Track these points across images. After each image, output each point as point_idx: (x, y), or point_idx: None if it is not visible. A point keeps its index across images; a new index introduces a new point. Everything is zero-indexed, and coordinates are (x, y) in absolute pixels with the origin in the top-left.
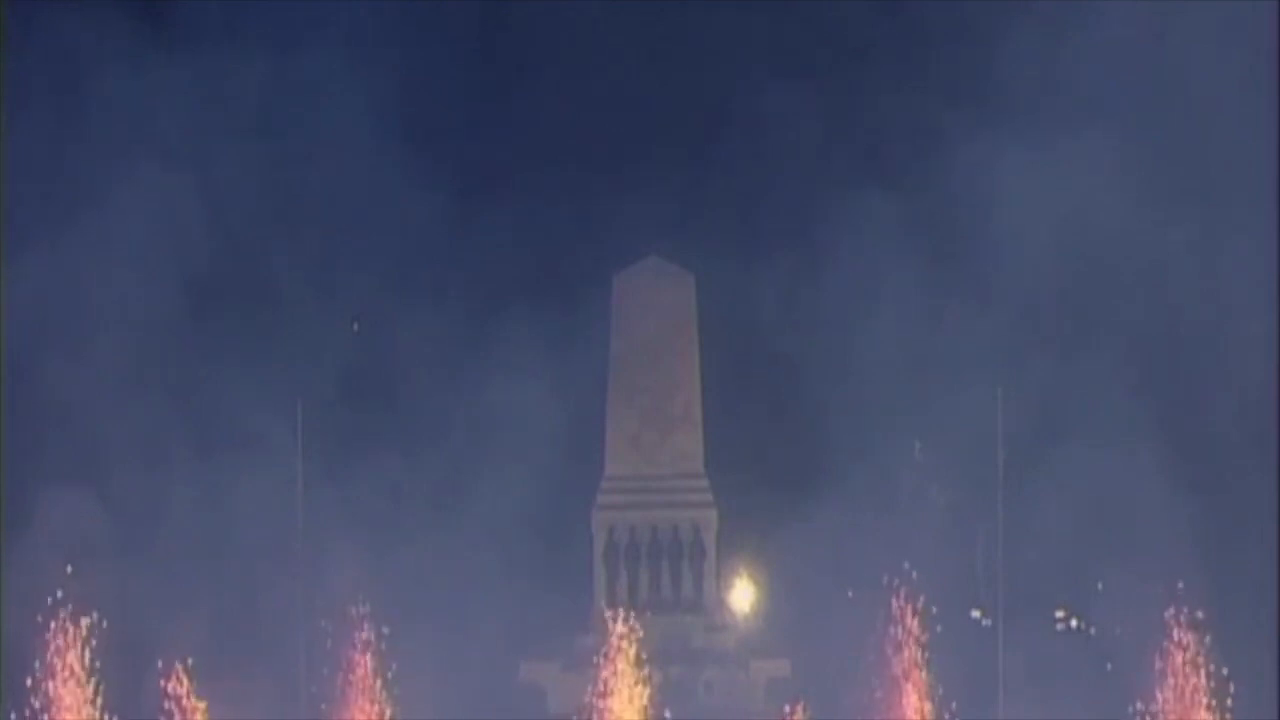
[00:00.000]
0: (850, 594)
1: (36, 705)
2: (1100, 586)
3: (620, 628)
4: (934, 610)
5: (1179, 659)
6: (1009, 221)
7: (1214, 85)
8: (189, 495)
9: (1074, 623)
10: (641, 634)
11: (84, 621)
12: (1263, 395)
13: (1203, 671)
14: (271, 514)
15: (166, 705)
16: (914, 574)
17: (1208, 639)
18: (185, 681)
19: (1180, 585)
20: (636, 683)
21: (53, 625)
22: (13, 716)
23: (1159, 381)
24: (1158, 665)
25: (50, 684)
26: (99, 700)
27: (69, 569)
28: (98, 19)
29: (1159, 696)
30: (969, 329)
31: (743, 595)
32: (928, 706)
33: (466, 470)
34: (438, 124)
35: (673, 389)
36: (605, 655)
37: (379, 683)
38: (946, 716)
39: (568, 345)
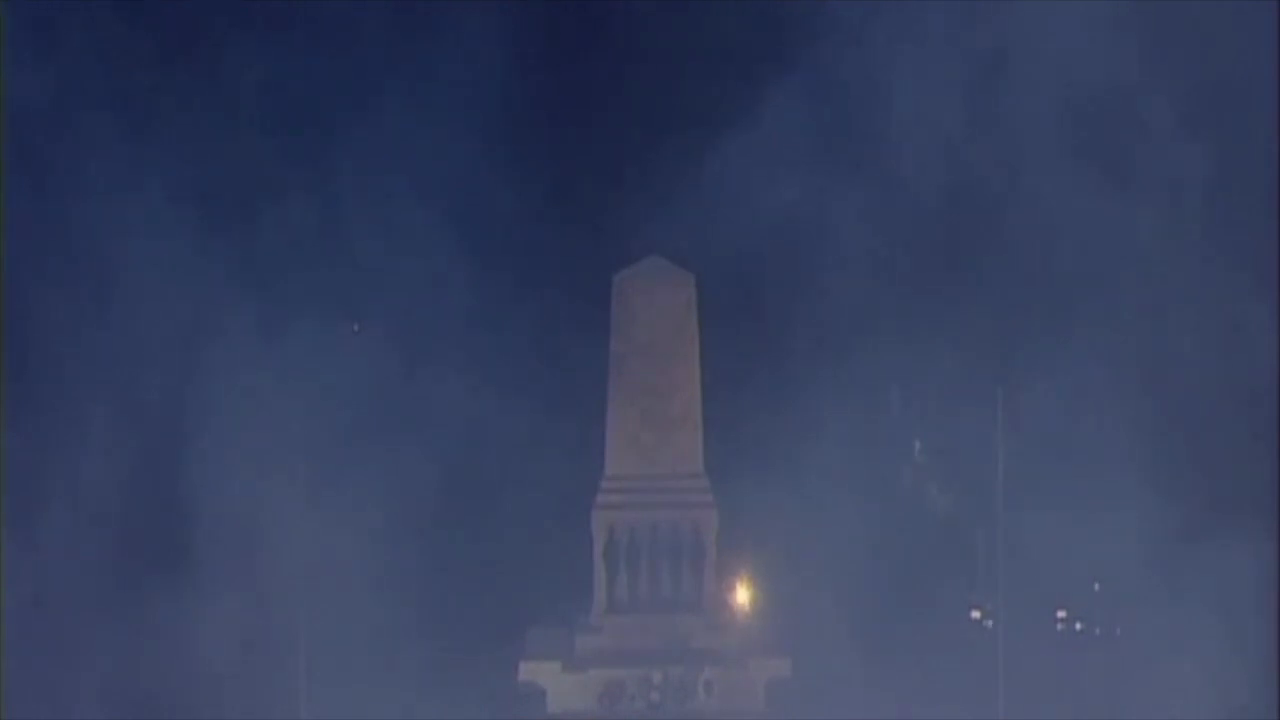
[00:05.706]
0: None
1: None
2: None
3: (620, 627)
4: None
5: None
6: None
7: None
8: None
9: (1078, 626)
10: (641, 634)
11: None
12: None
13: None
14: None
15: None
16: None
17: (1207, 637)
18: None
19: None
20: (636, 683)
21: None
22: None
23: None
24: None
25: None
26: None
27: None
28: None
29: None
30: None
31: (743, 595)
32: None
33: (466, 470)
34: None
35: (673, 389)
36: (605, 655)
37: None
38: (947, 717)
39: (567, 345)
